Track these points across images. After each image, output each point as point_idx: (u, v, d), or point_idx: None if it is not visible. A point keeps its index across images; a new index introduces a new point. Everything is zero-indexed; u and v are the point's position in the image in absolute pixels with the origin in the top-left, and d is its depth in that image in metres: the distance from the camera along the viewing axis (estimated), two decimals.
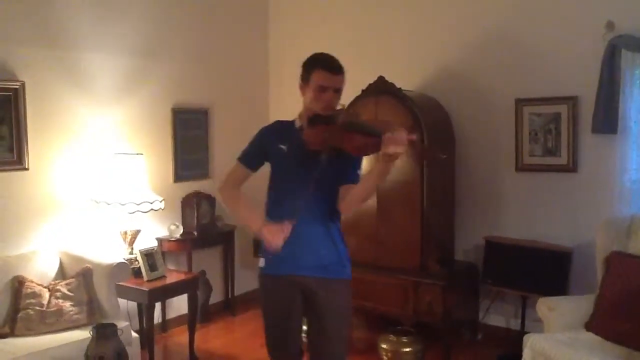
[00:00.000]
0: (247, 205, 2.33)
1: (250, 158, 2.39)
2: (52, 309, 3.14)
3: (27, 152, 3.48)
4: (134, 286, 3.60)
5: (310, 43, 5.00)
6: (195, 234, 4.36)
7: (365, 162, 2.33)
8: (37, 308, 3.11)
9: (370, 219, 3.92)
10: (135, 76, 4.14)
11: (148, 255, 3.75)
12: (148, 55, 4.21)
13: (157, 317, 4.07)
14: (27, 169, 3.50)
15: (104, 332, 2.78)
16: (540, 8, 3.89)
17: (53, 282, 3.29)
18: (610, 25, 3.52)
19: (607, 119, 3.55)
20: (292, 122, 2.35)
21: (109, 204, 3.65)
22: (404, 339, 3.57)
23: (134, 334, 3.34)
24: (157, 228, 4.26)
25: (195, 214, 4.37)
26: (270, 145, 2.32)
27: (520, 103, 3.96)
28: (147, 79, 4.21)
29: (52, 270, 3.43)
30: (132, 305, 3.91)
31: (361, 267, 3.51)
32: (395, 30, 4.50)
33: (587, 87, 3.65)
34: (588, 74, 3.64)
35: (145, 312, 3.74)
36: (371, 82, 3.96)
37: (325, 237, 2.26)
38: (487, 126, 4.13)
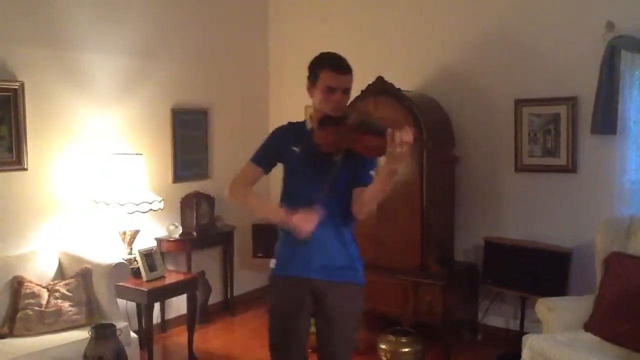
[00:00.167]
0: (263, 198, 2.29)
1: (263, 158, 2.33)
2: (51, 309, 3.13)
3: (27, 152, 3.48)
4: (133, 286, 3.60)
5: (310, 43, 5.00)
6: (195, 234, 4.35)
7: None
8: (36, 308, 3.11)
9: (370, 219, 3.88)
10: (134, 76, 4.14)
11: (147, 255, 3.74)
12: (148, 55, 4.21)
13: (156, 318, 4.07)
14: (26, 169, 3.49)
15: (103, 332, 2.78)
16: (539, 8, 3.89)
17: (52, 283, 3.29)
18: (610, 26, 3.53)
19: (607, 120, 3.55)
20: (303, 123, 2.32)
21: (108, 204, 3.65)
22: (404, 339, 3.57)
23: (133, 334, 3.34)
24: (156, 228, 4.26)
25: (195, 215, 4.37)
26: (283, 146, 2.28)
27: (520, 103, 3.96)
28: (146, 79, 4.21)
29: (51, 271, 3.43)
30: (131, 305, 3.91)
31: None
32: (394, 31, 4.50)
33: (587, 88, 3.65)
34: (587, 74, 3.64)
35: (144, 312, 3.74)
36: (370, 82, 3.96)
37: (336, 240, 2.22)
38: (486, 127, 4.13)
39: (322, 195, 2.08)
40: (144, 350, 3.55)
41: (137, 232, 3.85)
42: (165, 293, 3.79)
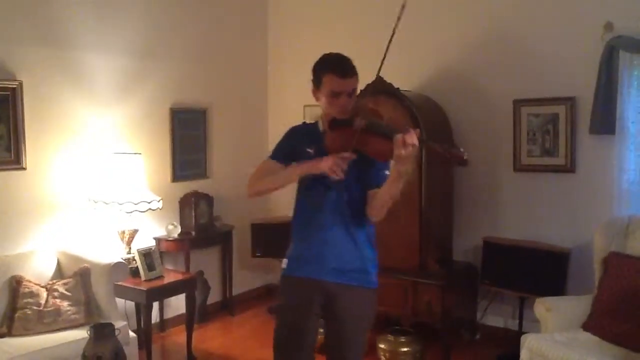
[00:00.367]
0: (286, 169, 2.22)
1: (282, 154, 2.29)
2: (49, 309, 3.13)
3: (25, 152, 3.47)
4: (132, 286, 3.59)
5: (309, 42, 5.03)
6: (193, 233, 4.35)
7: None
8: (35, 308, 3.10)
9: None
10: (133, 76, 4.13)
11: (146, 255, 3.74)
12: (146, 55, 4.20)
13: (155, 317, 4.07)
14: (24, 169, 3.49)
15: (102, 331, 2.77)
16: (539, 9, 3.90)
17: (51, 282, 3.29)
18: (608, 26, 3.53)
19: (605, 120, 3.55)
20: (316, 124, 2.31)
21: (106, 204, 3.64)
22: (403, 339, 3.57)
23: (132, 334, 3.34)
24: (155, 228, 4.25)
25: (193, 214, 4.37)
26: (298, 146, 2.26)
27: (519, 104, 3.96)
28: (145, 79, 4.21)
29: (49, 270, 3.42)
30: (130, 305, 3.91)
31: None
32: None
33: (585, 88, 3.65)
34: (586, 74, 3.65)
35: (143, 311, 3.74)
36: (369, 82, 3.95)
37: (349, 243, 2.19)
38: (485, 127, 4.14)
39: (336, 196, 2.07)
40: (143, 350, 3.55)
41: (135, 231, 3.85)
42: (164, 292, 3.79)
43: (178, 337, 4.16)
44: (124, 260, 3.58)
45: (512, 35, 4.01)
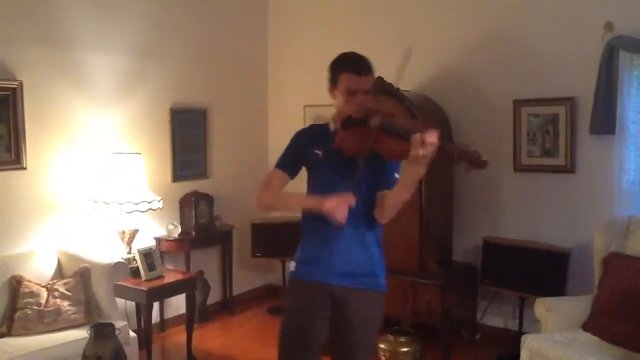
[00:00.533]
0: (295, 193, 2.22)
1: (288, 163, 2.27)
2: (50, 309, 3.13)
3: (25, 152, 3.48)
4: (132, 286, 3.59)
5: (309, 42, 5.03)
6: (194, 233, 4.35)
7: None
8: (35, 307, 3.10)
9: None
10: (133, 76, 4.13)
11: (146, 254, 3.74)
12: (147, 54, 4.20)
13: (155, 317, 4.07)
14: (25, 169, 3.49)
15: (102, 331, 2.77)
16: (539, 9, 3.90)
17: (51, 282, 3.29)
18: (608, 26, 3.53)
19: (605, 120, 3.55)
20: (326, 126, 2.29)
21: (107, 204, 3.64)
22: (403, 339, 3.56)
23: (132, 334, 3.34)
24: (155, 228, 4.25)
25: (194, 214, 4.37)
26: (306, 149, 2.24)
27: (519, 104, 3.96)
28: (145, 79, 4.21)
29: (50, 270, 3.42)
30: (130, 304, 3.91)
31: None
32: (393, 31, 4.50)
33: (585, 88, 3.65)
34: (586, 75, 3.65)
35: (143, 311, 3.74)
36: None
37: (358, 245, 2.17)
38: (485, 127, 4.14)
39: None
40: (143, 350, 3.55)
41: (136, 231, 3.85)
42: (164, 292, 3.79)
43: (178, 337, 4.16)
44: (124, 260, 3.58)
45: (512, 35, 4.01)
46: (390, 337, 3.60)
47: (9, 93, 3.40)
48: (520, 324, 3.78)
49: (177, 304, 4.29)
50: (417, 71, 4.35)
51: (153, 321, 3.73)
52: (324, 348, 2.24)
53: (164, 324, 4.31)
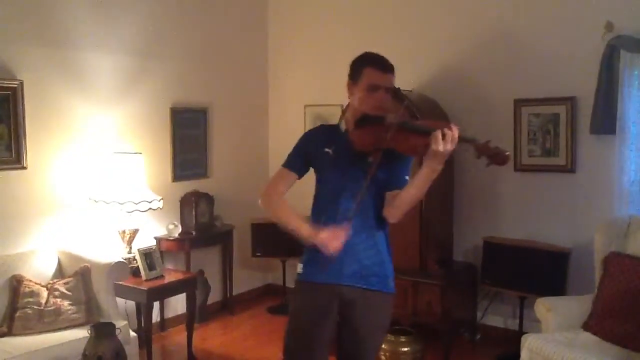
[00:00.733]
0: (294, 212, 2.20)
1: (295, 163, 2.25)
2: (50, 308, 3.13)
3: (26, 151, 3.48)
4: (133, 285, 3.59)
5: (309, 42, 5.03)
6: (194, 233, 4.35)
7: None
8: (35, 307, 3.11)
9: None
10: (134, 75, 4.13)
11: (146, 254, 3.74)
12: (147, 54, 4.20)
13: (156, 317, 4.07)
14: (25, 168, 3.49)
15: (102, 331, 2.77)
16: (539, 9, 3.90)
17: (51, 281, 3.29)
18: (609, 26, 3.53)
19: (606, 120, 3.55)
20: (336, 126, 2.28)
21: (107, 203, 3.64)
22: (403, 339, 3.56)
23: (132, 333, 3.34)
24: (155, 227, 4.26)
25: (194, 214, 4.37)
26: (315, 149, 2.22)
27: (519, 103, 3.96)
28: (145, 78, 4.21)
29: (50, 269, 3.42)
30: (131, 304, 3.91)
31: None
32: (394, 31, 4.50)
33: (586, 88, 3.65)
34: (587, 74, 3.65)
35: (143, 311, 3.74)
36: None
37: (369, 246, 2.16)
38: (485, 127, 4.13)
39: (357, 198, 2.04)
40: (143, 349, 3.55)
41: (136, 231, 3.85)
42: (164, 292, 3.79)
43: (178, 336, 4.16)
44: (125, 259, 3.59)
45: (513, 35, 4.00)
46: (391, 337, 3.60)
47: (9, 93, 3.40)
48: (521, 324, 3.78)
49: (178, 304, 4.30)
50: (418, 71, 4.35)
51: (153, 321, 3.74)
52: (329, 348, 2.23)
53: (164, 323, 4.31)
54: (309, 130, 2.37)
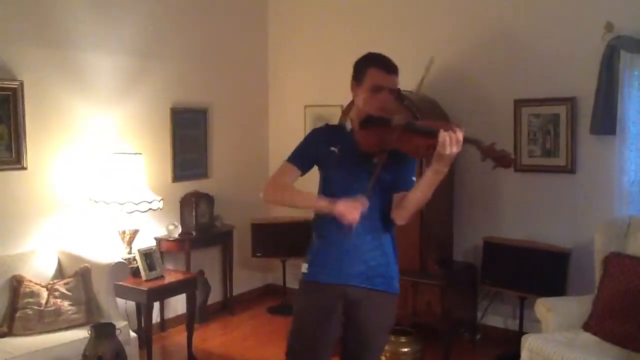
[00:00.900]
0: (303, 192, 2.16)
1: (301, 158, 2.23)
2: (50, 309, 3.13)
3: (26, 152, 3.48)
4: (133, 286, 3.59)
5: (309, 43, 5.03)
6: (194, 233, 4.35)
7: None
8: (35, 307, 3.11)
9: None
10: (134, 76, 4.13)
11: (146, 254, 3.74)
12: (147, 54, 4.20)
13: (156, 317, 4.07)
14: (25, 169, 3.49)
15: (102, 331, 2.78)
16: (539, 9, 3.90)
17: (51, 282, 3.29)
18: (609, 26, 3.53)
19: (606, 120, 3.55)
20: (342, 126, 2.27)
21: (107, 204, 3.64)
22: (403, 339, 3.56)
23: (133, 334, 3.34)
24: (155, 228, 4.26)
25: (194, 214, 4.37)
26: (321, 147, 2.20)
27: (519, 104, 3.96)
28: (145, 79, 4.21)
29: (50, 270, 3.42)
30: (131, 304, 3.91)
31: None
32: (394, 31, 4.50)
33: (586, 88, 3.65)
34: (587, 75, 3.65)
35: (143, 311, 3.74)
36: None
37: (375, 247, 2.16)
38: (485, 127, 4.13)
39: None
40: (143, 350, 3.55)
41: (136, 231, 3.85)
42: (164, 292, 3.79)
43: (178, 337, 4.16)
44: (125, 260, 3.58)
45: (513, 35, 4.01)
46: (391, 337, 3.60)
47: (9, 93, 3.40)
48: (521, 324, 3.78)
49: (178, 304, 4.30)
50: (418, 71, 4.35)
51: (153, 321, 3.73)
52: (333, 349, 2.22)
53: (164, 323, 4.31)
54: (316, 128, 2.35)
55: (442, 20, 4.32)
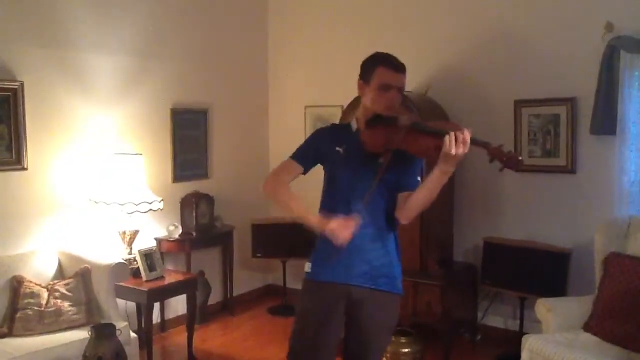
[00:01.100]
0: (300, 200, 2.16)
1: (304, 157, 2.23)
2: (50, 309, 3.13)
3: (26, 152, 3.48)
4: (133, 286, 3.59)
5: (309, 43, 5.03)
6: (194, 234, 4.35)
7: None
8: (36, 308, 3.11)
9: None
10: (134, 76, 4.13)
11: (147, 255, 3.74)
12: (147, 55, 4.21)
13: (156, 317, 4.07)
14: (25, 169, 3.49)
15: (103, 332, 2.78)
16: (539, 9, 3.90)
17: (52, 282, 3.29)
18: (609, 27, 3.53)
19: (606, 120, 3.55)
20: (348, 125, 2.27)
21: (107, 204, 3.64)
22: (403, 340, 3.56)
23: (133, 334, 3.34)
24: (156, 228, 4.26)
25: (194, 214, 4.37)
26: (326, 147, 2.20)
27: (519, 104, 3.96)
28: (146, 79, 4.21)
29: (50, 270, 3.42)
30: (131, 305, 3.91)
31: None
32: (394, 31, 4.50)
33: (586, 89, 3.65)
34: (587, 75, 3.65)
35: (144, 312, 3.74)
36: None
37: (379, 247, 2.15)
38: (486, 127, 4.12)
39: (365, 199, 2.03)
40: (144, 350, 3.55)
41: (136, 232, 3.85)
42: (164, 293, 3.79)
43: (179, 337, 4.16)
44: (125, 260, 3.58)
45: (513, 36, 4.01)
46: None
47: (9, 94, 3.40)
48: (521, 325, 3.77)
49: (178, 305, 4.30)
50: (418, 71, 4.35)
51: (154, 322, 3.73)
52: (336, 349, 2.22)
53: (164, 324, 4.31)
54: (321, 128, 2.35)
55: (442, 20, 4.32)
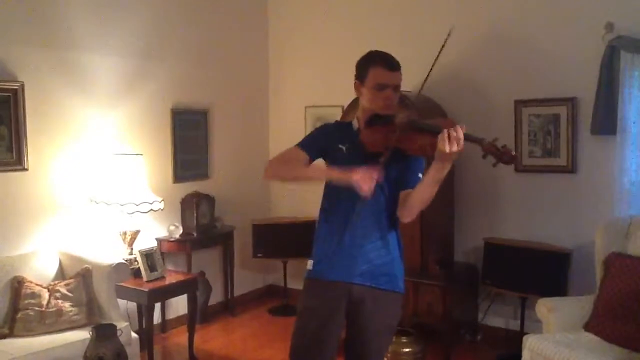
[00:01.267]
0: (313, 165, 2.15)
1: (311, 146, 2.21)
2: (51, 310, 3.13)
3: (27, 153, 3.48)
4: (134, 287, 3.60)
5: (310, 43, 5.04)
6: (195, 234, 4.35)
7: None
8: (37, 308, 3.11)
9: None
10: (134, 76, 4.14)
11: (147, 255, 3.74)
12: (148, 55, 4.21)
13: (157, 318, 4.07)
14: (26, 170, 3.49)
15: (104, 332, 2.78)
16: (539, 9, 3.90)
17: (52, 283, 3.29)
18: (609, 27, 3.53)
19: (606, 120, 3.56)
20: (350, 124, 2.27)
21: (108, 205, 3.65)
22: (404, 340, 3.56)
23: (134, 335, 3.34)
24: (156, 228, 4.26)
25: (195, 215, 4.37)
26: (331, 142, 2.20)
27: (520, 104, 3.96)
28: (146, 80, 4.21)
29: (51, 271, 3.43)
30: (132, 305, 3.91)
31: None
32: (394, 31, 4.50)
33: (586, 89, 3.66)
34: (587, 75, 3.65)
35: (144, 312, 3.74)
36: None
37: (380, 246, 2.15)
38: (486, 127, 4.11)
39: (366, 198, 2.01)
40: (145, 351, 3.55)
41: (137, 232, 3.85)
42: (165, 293, 3.79)
43: (179, 337, 4.16)
44: (126, 261, 3.59)
45: (513, 36, 4.01)
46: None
47: (10, 94, 3.40)
48: (522, 325, 3.77)
49: (179, 305, 4.29)
50: (418, 71, 4.34)
51: (154, 322, 3.73)
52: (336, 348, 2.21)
53: (165, 324, 4.31)
54: (327, 124, 2.36)
55: (442, 20, 4.32)
